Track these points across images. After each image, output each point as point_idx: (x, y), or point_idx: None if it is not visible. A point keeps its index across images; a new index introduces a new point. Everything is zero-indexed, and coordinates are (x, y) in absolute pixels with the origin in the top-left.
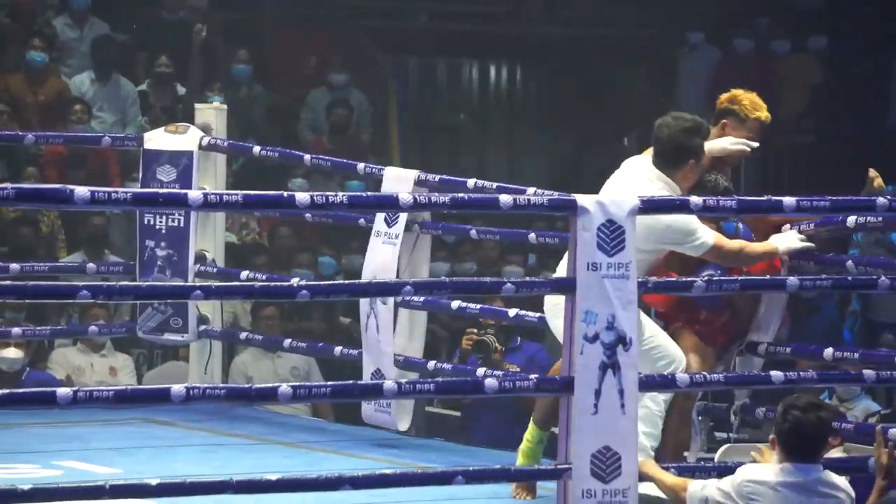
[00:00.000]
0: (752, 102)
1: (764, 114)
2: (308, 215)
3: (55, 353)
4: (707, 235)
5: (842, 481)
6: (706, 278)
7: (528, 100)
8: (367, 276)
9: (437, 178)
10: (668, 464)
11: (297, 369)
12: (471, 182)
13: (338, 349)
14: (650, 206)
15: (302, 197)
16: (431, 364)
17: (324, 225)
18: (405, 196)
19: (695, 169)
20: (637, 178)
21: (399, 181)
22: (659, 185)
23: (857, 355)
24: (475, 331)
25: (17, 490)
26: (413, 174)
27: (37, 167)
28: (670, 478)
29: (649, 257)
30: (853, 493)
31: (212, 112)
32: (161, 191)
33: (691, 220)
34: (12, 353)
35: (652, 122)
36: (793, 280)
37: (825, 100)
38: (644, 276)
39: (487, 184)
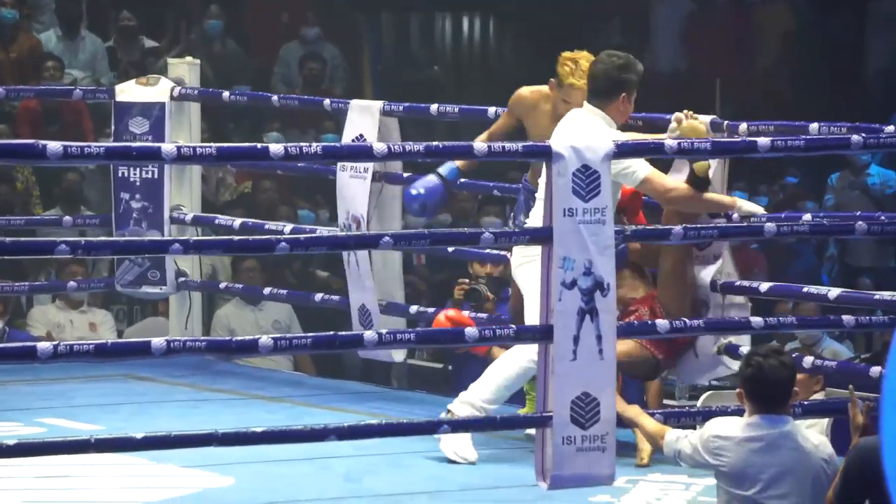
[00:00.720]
0: (571, 69)
1: (578, 82)
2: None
3: (34, 310)
4: (642, 168)
5: (813, 435)
6: (684, 225)
7: (503, 53)
8: (341, 212)
9: (402, 106)
10: (651, 410)
11: (279, 322)
12: (433, 108)
13: (318, 296)
14: (625, 149)
15: (276, 149)
16: (414, 308)
17: (302, 178)
18: (379, 146)
19: (627, 103)
20: (582, 123)
21: (365, 111)
22: (596, 120)
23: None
24: (466, 280)
25: (1, 445)
26: (378, 104)
27: (9, 125)
28: (652, 424)
29: None
30: (829, 448)
31: (185, 67)
32: (134, 144)
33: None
34: None
35: None
36: (770, 226)
37: (800, 49)
38: None
39: (450, 107)
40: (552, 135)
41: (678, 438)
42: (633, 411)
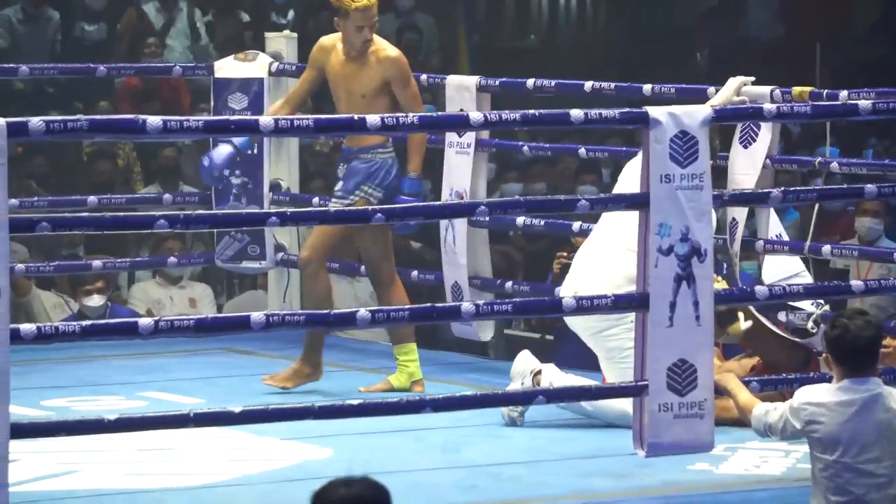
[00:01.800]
0: None
1: (362, 2)
2: None
3: (134, 287)
4: None
5: None
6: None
7: (598, 20)
8: (445, 188)
9: (498, 81)
10: (747, 377)
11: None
12: (529, 82)
13: (414, 273)
14: (724, 114)
15: (373, 120)
16: (509, 285)
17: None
18: (475, 115)
19: None
20: None
21: (461, 88)
22: None
23: None
24: (565, 254)
25: (103, 421)
26: (474, 80)
27: (110, 101)
28: (745, 396)
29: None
30: None
31: (282, 40)
32: (233, 118)
33: None
34: (96, 300)
35: (723, 39)
36: (871, 188)
37: None
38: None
39: (546, 82)
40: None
41: (767, 412)
42: (730, 381)
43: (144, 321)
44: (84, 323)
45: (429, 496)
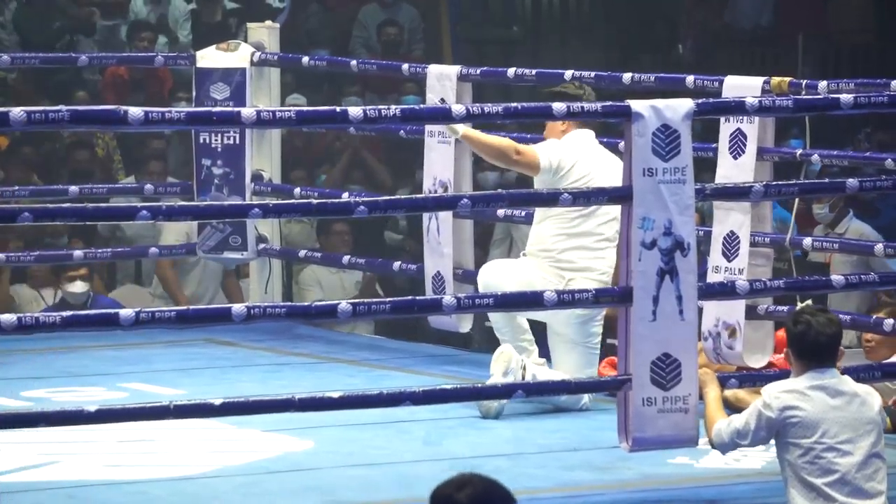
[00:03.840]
0: None
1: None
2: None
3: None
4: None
5: (860, 385)
6: (764, 183)
7: (581, 10)
8: (427, 178)
9: (479, 70)
10: (726, 373)
11: (360, 283)
12: (510, 71)
13: (396, 264)
14: (706, 108)
15: (355, 112)
16: None
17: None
18: (458, 107)
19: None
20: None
21: (442, 77)
22: None
23: None
24: None
25: (83, 412)
26: (455, 69)
27: (89, 92)
28: (713, 407)
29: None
30: (877, 395)
31: (264, 31)
32: (214, 109)
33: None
34: (78, 286)
35: (706, 29)
36: (853, 182)
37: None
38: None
39: (527, 71)
40: None
41: (730, 422)
42: (707, 383)
43: (125, 312)
44: (65, 314)
45: (411, 488)
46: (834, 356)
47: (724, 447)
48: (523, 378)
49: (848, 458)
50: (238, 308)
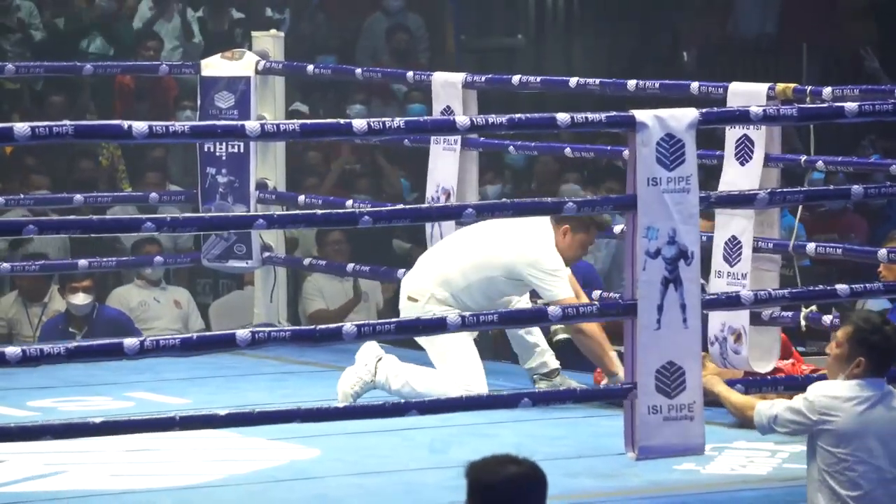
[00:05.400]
0: None
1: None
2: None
3: (115, 293)
4: (562, 290)
5: None
6: (769, 190)
7: (585, 19)
8: (431, 185)
9: (484, 77)
10: (732, 379)
11: (366, 292)
12: (515, 79)
13: (400, 272)
14: (710, 117)
15: (359, 124)
16: None
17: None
18: (462, 119)
19: (570, 236)
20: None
21: (447, 84)
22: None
23: None
24: None
25: (89, 424)
26: (460, 77)
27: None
28: (737, 396)
29: (503, 281)
30: None
31: (269, 40)
32: (219, 122)
33: (557, 268)
34: (81, 298)
35: (710, 37)
36: (857, 189)
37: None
38: (485, 295)
39: (532, 79)
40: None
41: (772, 405)
42: (716, 384)
43: (130, 341)
44: (70, 345)
45: (417, 496)
46: (890, 366)
47: (763, 429)
48: (375, 370)
49: (876, 475)
50: (243, 334)
